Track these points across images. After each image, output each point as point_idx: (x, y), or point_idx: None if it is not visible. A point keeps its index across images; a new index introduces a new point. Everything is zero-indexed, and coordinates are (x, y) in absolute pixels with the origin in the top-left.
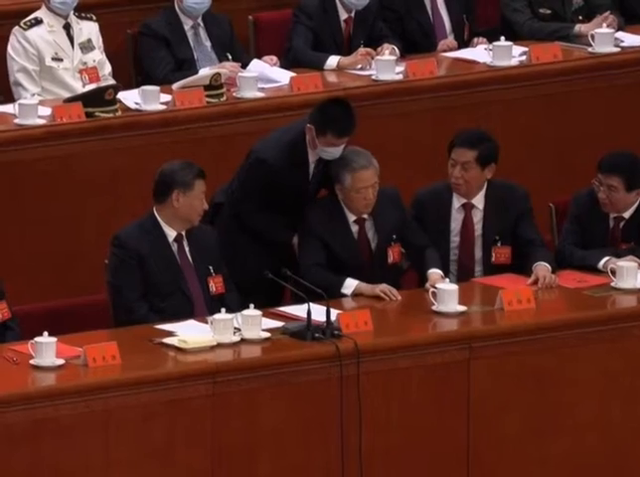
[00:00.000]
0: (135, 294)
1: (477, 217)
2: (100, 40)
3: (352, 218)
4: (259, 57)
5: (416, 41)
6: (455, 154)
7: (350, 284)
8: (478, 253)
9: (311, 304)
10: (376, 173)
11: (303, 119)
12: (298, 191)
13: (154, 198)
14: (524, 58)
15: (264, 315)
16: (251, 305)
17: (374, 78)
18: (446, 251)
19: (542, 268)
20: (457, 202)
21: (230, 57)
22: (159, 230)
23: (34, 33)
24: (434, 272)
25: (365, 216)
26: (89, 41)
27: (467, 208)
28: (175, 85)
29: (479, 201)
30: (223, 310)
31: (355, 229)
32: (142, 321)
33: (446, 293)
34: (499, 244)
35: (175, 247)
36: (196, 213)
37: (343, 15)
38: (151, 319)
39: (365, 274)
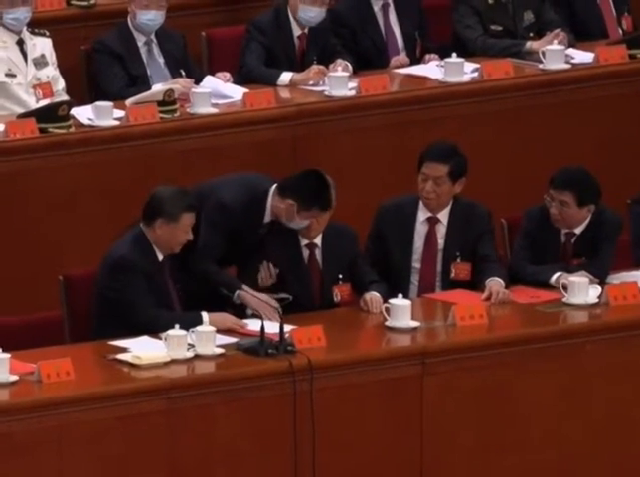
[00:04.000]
0: (151, 307)
1: (440, 231)
2: (54, 55)
3: (304, 242)
4: (212, 73)
5: (369, 57)
6: (427, 168)
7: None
8: (438, 268)
9: (265, 320)
10: None
11: (261, 177)
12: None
13: (142, 217)
14: (475, 74)
15: (218, 331)
16: (206, 321)
17: (326, 93)
18: (408, 263)
19: (495, 284)
20: (422, 215)
21: (183, 73)
22: (151, 249)
23: None
24: (371, 293)
25: (317, 243)
26: (43, 56)
27: (432, 221)
28: (128, 101)
29: (444, 216)
30: (177, 326)
31: (306, 254)
32: (165, 325)
33: (399, 309)
34: (459, 261)
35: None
36: (177, 243)
37: (296, 31)
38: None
39: (316, 304)
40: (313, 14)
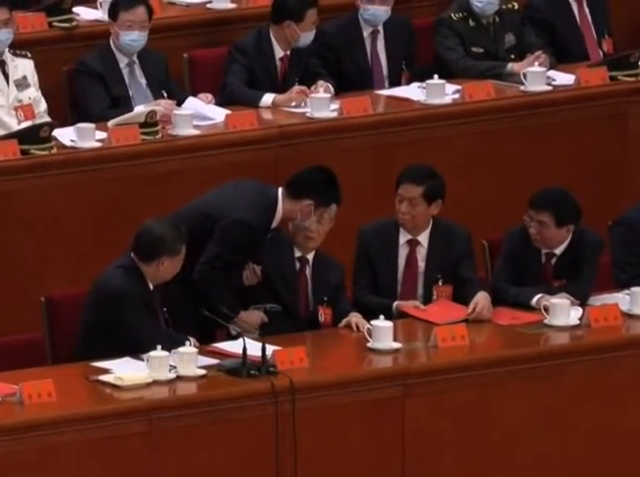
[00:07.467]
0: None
1: (421, 254)
2: (36, 77)
3: (297, 254)
4: (195, 94)
5: (352, 81)
6: (402, 190)
7: None
8: (419, 290)
9: (247, 340)
10: None
11: (261, 185)
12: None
13: (137, 254)
14: (457, 96)
15: (200, 352)
16: (188, 342)
17: (308, 115)
18: (395, 286)
19: (483, 296)
20: (403, 238)
21: (165, 94)
22: (143, 279)
23: None
24: (353, 314)
25: (308, 257)
26: (25, 78)
27: (412, 244)
28: (110, 123)
29: (424, 238)
30: (159, 347)
31: (297, 266)
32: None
33: (381, 330)
34: (440, 283)
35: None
36: (171, 275)
37: (278, 53)
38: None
39: (302, 316)
40: (311, 37)
